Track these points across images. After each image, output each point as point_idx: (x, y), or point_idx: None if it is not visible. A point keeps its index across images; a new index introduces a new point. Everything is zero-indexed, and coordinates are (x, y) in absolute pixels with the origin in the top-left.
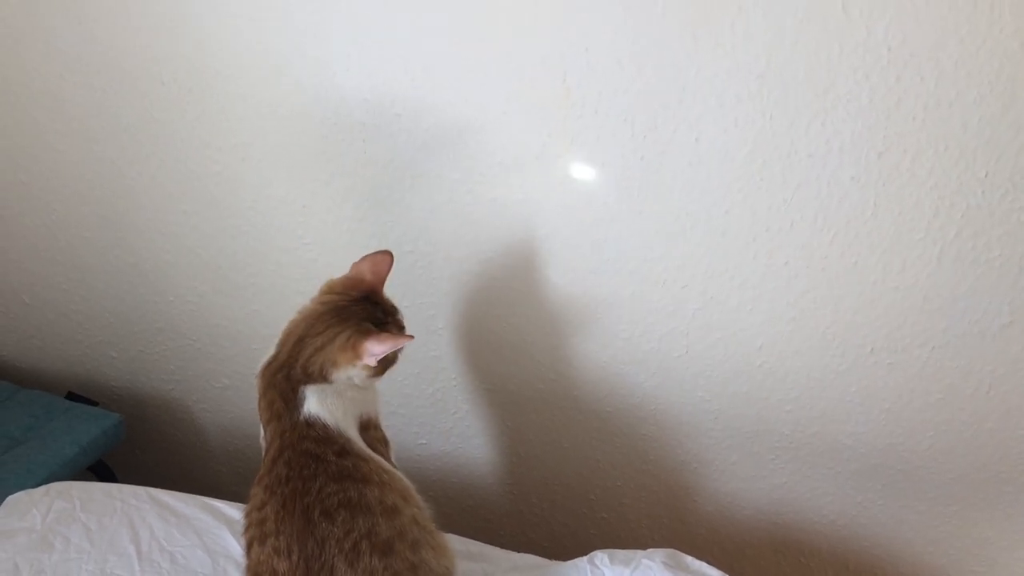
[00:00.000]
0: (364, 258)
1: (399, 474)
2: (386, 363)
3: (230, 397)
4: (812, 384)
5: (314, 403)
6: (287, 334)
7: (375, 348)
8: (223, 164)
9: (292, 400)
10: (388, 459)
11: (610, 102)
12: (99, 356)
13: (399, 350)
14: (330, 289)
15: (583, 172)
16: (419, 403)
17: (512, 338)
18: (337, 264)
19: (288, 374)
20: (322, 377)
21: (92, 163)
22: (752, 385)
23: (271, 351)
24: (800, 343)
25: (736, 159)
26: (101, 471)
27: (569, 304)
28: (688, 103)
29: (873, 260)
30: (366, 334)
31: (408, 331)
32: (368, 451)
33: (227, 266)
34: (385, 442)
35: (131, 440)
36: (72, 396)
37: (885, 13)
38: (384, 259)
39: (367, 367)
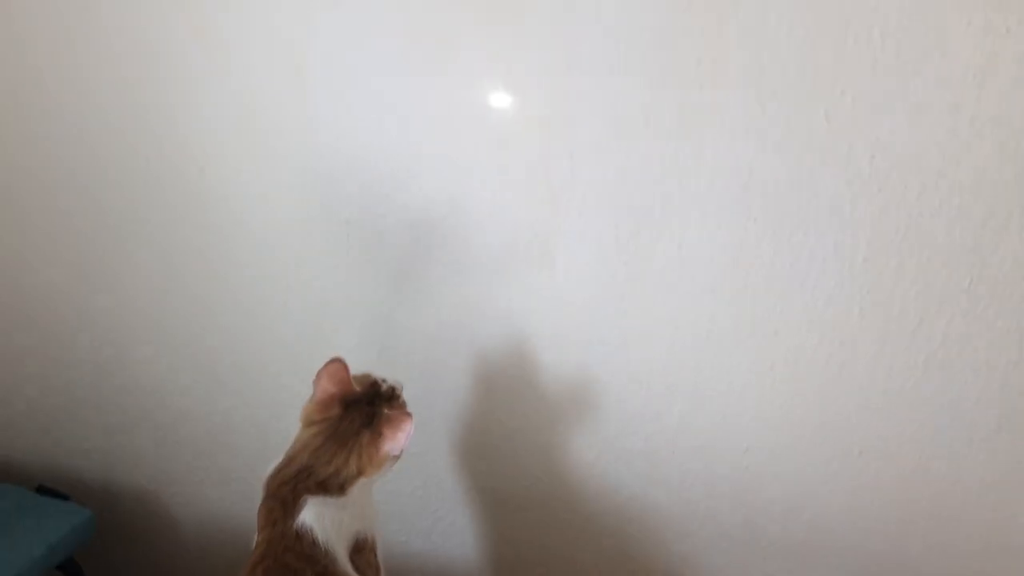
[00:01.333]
0: (320, 374)
1: None
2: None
3: (207, 492)
4: (800, 488)
5: (311, 515)
6: (294, 455)
7: (396, 443)
8: (206, 260)
9: (291, 508)
10: None
11: (594, 207)
12: (73, 448)
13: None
14: (310, 421)
15: (567, 274)
16: (401, 500)
17: (496, 436)
18: (319, 359)
19: (295, 486)
20: (339, 490)
21: (73, 255)
22: (739, 487)
23: (279, 459)
24: (787, 446)
25: (720, 264)
26: (71, 568)
27: (554, 403)
28: (671, 210)
29: (859, 366)
30: (377, 440)
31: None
32: (352, 573)
33: (207, 360)
34: (377, 569)
35: (103, 535)
36: (42, 490)
37: (866, 125)
38: (338, 368)
39: (394, 458)
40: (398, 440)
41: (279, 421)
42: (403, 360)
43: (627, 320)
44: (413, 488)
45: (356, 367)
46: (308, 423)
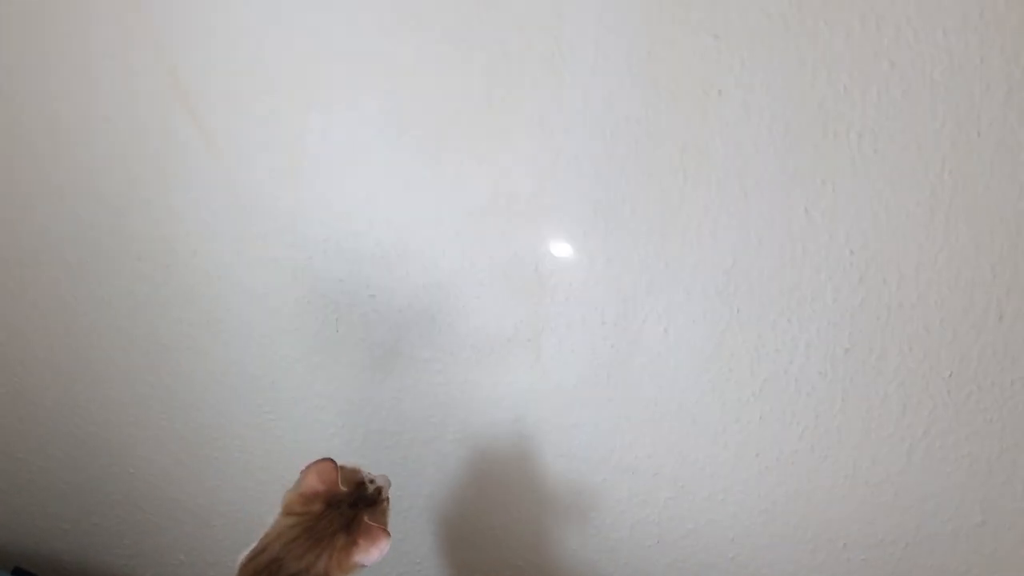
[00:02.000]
0: (309, 469)
1: None
2: None
3: (186, 574)
4: None
5: None
6: (268, 544)
7: (369, 556)
8: (194, 338)
9: None
10: None
11: (580, 291)
12: (50, 528)
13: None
14: (290, 510)
15: (554, 359)
16: None
17: (479, 522)
18: (302, 441)
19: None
20: None
21: (60, 332)
22: None
23: (254, 544)
24: (772, 536)
25: (705, 350)
26: None
27: (538, 489)
28: (656, 295)
29: (843, 455)
30: (351, 548)
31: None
32: None
33: (191, 439)
34: None
35: None
36: (18, 572)
37: (845, 218)
38: (327, 468)
39: (363, 567)
40: (371, 554)
41: (260, 505)
42: (389, 442)
43: (612, 405)
44: (397, 575)
45: (341, 449)
46: (288, 511)
